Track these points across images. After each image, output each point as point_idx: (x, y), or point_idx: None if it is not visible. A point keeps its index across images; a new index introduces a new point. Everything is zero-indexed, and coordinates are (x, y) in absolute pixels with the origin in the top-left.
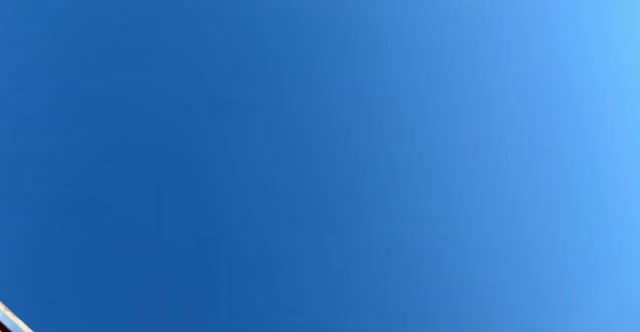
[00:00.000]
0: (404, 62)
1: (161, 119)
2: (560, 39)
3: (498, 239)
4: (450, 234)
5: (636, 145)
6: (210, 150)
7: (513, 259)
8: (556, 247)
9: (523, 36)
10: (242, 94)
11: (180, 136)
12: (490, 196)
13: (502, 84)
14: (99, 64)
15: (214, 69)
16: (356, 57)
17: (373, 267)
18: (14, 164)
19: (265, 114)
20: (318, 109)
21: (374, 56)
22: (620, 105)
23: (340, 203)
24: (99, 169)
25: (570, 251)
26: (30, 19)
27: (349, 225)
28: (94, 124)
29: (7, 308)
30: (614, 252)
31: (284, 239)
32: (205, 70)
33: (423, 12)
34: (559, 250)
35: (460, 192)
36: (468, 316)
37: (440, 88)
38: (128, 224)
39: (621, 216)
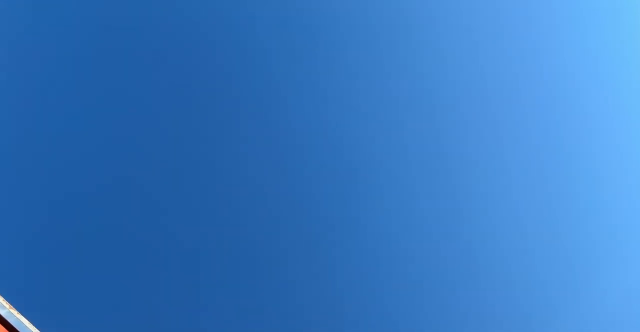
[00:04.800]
0: (402, 61)
1: (158, 118)
2: (559, 38)
3: (497, 238)
4: (449, 233)
5: (636, 145)
6: (208, 150)
7: (512, 258)
8: (555, 247)
9: (522, 34)
10: (237, 94)
11: (178, 135)
12: (489, 195)
13: (500, 84)
14: (94, 64)
15: (211, 69)
16: (354, 57)
17: (371, 267)
18: (15, 164)
19: (260, 113)
20: (316, 109)
21: (372, 56)
22: (620, 105)
23: (338, 202)
24: (98, 169)
25: (570, 250)
26: (30, 18)
27: (348, 225)
28: (91, 124)
29: (12, 306)
30: (614, 252)
31: (282, 239)
32: (201, 70)
33: (421, 11)
34: (558, 249)
35: (459, 191)
36: (467, 316)
37: (439, 87)
38: (129, 223)
39: (621, 215)
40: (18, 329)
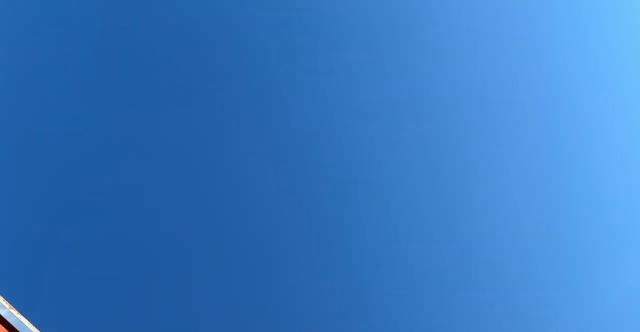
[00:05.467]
0: (402, 61)
1: (157, 118)
2: (559, 39)
3: (497, 238)
4: (449, 233)
5: (636, 145)
6: (208, 150)
7: (512, 258)
8: (555, 247)
9: (521, 34)
10: (236, 94)
11: (177, 136)
12: (489, 195)
13: (500, 84)
14: (94, 64)
15: (211, 69)
16: (354, 57)
17: (371, 267)
18: (15, 165)
19: (259, 113)
20: (316, 109)
21: (372, 56)
22: (620, 105)
23: (338, 202)
24: (98, 169)
25: (570, 250)
26: (30, 18)
27: (348, 225)
28: (91, 125)
29: (12, 306)
30: (614, 252)
31: (282, 239)
32: (201, 70)
33: (420, 11)
34: (558, 249)
35: (459, 191)
36: (467, 316)
37: (439, 88)
38: (128, 224)
39: (621, 215)
40: (18, 329)
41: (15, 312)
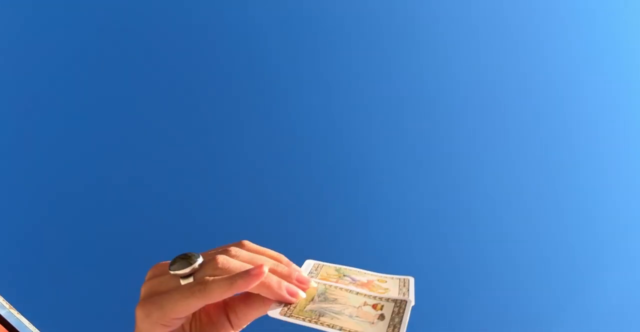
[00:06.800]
0: (404, 61)
1: (158, 117)
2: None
3: (497, 237)
4: (449, 233)
5: (636, 145)
6: (208, 150)
7: (512, 258)
8: (555, 246)
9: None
10: (237, 94)
11: (179, 135)
12: (489, 195)
13: (501, 84)
14: (93, 63)
15: (211, 68)
16: (356, 56)
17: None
18: (15, 163)
19: (261, 112)
20: (316, 108)
21: (374, 55)
22: (620, 105)
23: (339, 202)
24: (99, 168)
25: (569, 249)
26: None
27: (348, 225)
28: (92, 124)
29: (12, 306)
30: (614, 251)
31: (282, 239)
32: (201, 70)
33: (421, 11)
34: (558, 249)
35: (460, 190)
36: (467, 316)
37: (441, 87)
38: (129, 223)
39: (621, 214)
40: (18, 329)
41: (15, 312)
